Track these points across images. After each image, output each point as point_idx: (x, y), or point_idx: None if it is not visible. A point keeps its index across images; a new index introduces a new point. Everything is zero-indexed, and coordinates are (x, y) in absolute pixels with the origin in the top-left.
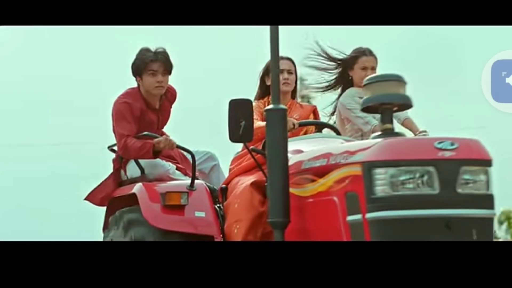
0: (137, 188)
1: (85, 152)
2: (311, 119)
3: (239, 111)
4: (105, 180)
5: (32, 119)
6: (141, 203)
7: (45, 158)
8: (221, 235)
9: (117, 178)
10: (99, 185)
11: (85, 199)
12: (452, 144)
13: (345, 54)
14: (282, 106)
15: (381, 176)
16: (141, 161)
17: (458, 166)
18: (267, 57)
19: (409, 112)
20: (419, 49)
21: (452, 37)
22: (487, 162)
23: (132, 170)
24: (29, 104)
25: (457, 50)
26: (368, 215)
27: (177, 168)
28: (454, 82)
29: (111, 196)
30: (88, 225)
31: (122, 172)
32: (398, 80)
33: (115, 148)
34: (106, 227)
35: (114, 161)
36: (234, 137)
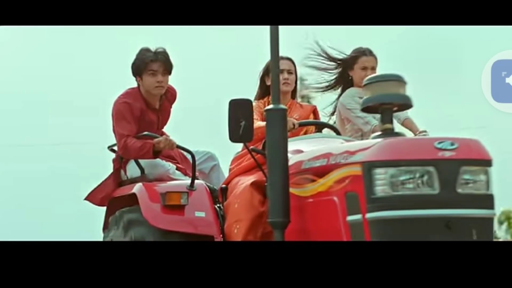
0: (137, 188)
1: (85, 152)
2: (311, 119)
3: (239, 111)
4: (105, 180)
5: (32, 119)
6: (141, 203)
7: (45, 158)
8: (221, 235)
9: (117, 178)
10: (99, 185)
11: (85, 199)
12: (452, 144)
13: (345, 54)
14: (282, 106)
15: (381, 176)
16: (141, 161)
17: (458, 166)
18: (267, 57)
19: (409, 112)
20: (419, 49)
21: (452, 37)
22: (487, 162)
23: (132, 170)
24: (29, 104)
25: (457, 50)
26: (368, 215)
27: (177, 168)
28: (454, 82)
29: (111, 196)
30: (88, 225)
31: (122, 172)
32: (398, 80)
33: (115, 148)
34: (106, 227)
35: (114, 161)
36: (234, 137)
